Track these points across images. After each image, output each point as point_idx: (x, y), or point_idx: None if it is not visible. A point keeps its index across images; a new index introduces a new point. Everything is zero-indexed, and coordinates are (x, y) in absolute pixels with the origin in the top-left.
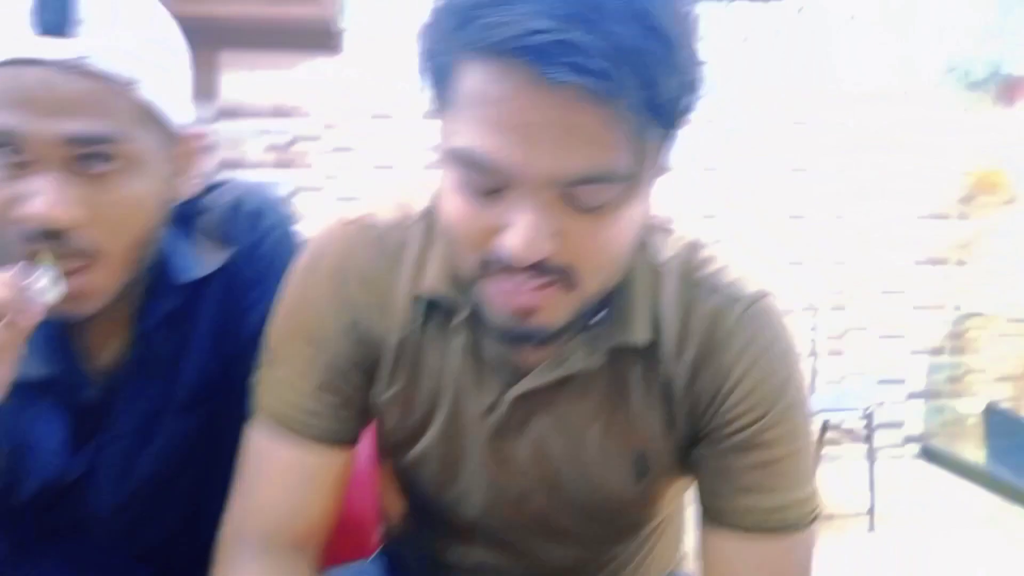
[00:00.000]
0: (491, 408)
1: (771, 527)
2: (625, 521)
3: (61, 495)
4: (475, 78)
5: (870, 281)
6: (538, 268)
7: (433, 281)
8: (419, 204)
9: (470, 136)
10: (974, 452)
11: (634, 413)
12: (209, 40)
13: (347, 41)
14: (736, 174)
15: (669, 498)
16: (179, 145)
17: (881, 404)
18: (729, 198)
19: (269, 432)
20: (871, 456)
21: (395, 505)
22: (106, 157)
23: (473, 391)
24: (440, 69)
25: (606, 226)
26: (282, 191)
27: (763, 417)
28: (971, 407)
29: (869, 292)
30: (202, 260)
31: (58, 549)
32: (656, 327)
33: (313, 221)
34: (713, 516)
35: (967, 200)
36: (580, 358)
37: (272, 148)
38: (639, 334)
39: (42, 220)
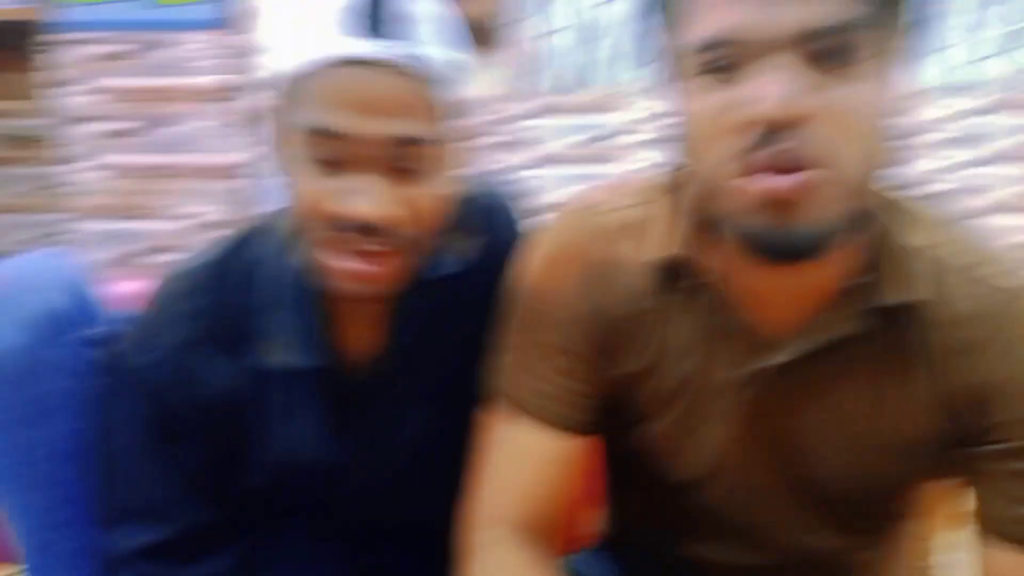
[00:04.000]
0: (737, 384)
1: None
2: (878, 517)
3: (312, 478)
4: None
5: None
6: (786, 140)
7: (671, 246)
8: (656, 183)
9: (710, 21)
10: None
11: (902, 390)
12: None
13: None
14: None
15: (928, 496)
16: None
17: None
18: None
19: (509, 418)
20: None
21: (617, 496)
22: (431, 158)
23: (717, 366)
24: None
25: (853, 88)
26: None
27: None
28: None
29: None
30: (451, 256)
31: (300, 529)
32: (936, 282)
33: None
34: (990, 528)
35: None
36: (839, 321)
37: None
38: (910, 291)
39: (367, 218)
